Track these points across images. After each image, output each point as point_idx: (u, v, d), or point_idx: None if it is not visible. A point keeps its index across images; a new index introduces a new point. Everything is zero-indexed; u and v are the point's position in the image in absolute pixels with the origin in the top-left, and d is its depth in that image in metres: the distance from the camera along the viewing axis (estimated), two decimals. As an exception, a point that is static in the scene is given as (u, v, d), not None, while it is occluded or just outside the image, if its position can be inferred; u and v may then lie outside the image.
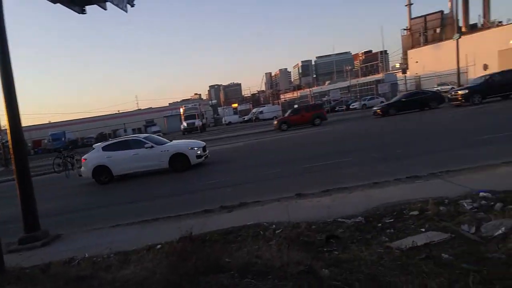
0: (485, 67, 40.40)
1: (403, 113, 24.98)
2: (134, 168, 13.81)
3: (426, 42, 66.16)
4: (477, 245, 3.81)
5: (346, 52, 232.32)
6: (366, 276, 3.42)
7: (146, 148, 13.56)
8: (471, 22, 68.45)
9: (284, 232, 5.01)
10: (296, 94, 77.58)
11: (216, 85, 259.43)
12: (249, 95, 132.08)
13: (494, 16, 68.32)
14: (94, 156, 13.82)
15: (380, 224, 5.01)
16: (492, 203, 5.06)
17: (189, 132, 42.98)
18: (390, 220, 5.10)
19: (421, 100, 25.80)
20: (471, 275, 3.04)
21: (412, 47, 66.97)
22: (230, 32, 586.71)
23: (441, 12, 68.37)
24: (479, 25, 66.20)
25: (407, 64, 65.13)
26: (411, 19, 72.46)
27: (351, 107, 44.97)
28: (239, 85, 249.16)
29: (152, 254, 4.97)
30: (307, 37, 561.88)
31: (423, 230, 4.50)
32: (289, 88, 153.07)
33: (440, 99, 26.22)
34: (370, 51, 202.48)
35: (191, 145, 14.14)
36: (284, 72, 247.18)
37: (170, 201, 9.07)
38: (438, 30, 67.19)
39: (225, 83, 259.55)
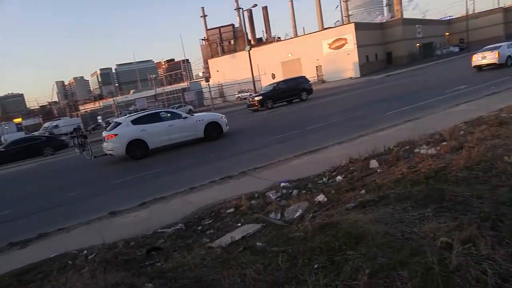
0: (273, 76, 47.11)
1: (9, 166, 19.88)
2: (171, 139, 13.45)
3: (224, 52, 71.43)
4: (283, 228, 4.29)
5: (148, 60, 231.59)
6: (191, 279, 3.38)
7: (183, 118, 13.49)
8: (258, 36, 78.90)
9: (98, 255, 4.47)
10: (99, 104, 71.29)
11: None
12: (37, 107, 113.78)
13: (274, 32, 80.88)
14: (126, 131, 12.75)
15: (200, 227, 5.10)
16: (291, 190, 5.86)
17: None
18: (209, 221, 5.26)
19: (31, 147, 21.48)
20: (280, 256, 3.38)
21: (212, 56, 71.15)
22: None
23: (232, 25, 75.15)
24: (264, 39, 77.02)
25: (209, 73, 68.81)
26: (207, 30, 76.53)
27: None
28: (21, 95, 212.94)
29: None
30: (103, 43, 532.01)
31: (239, 224, 4.80)
32: (89, 98, 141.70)
33: (60, 145, 22.62)
34: (173, 59, 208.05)
35: (219, 114, 14.93)
36: (80, 81, 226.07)
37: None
38: (232, 41, 73.50)
39: None
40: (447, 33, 74.35)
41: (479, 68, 23.27)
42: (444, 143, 6.40)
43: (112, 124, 13.66)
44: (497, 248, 2.74)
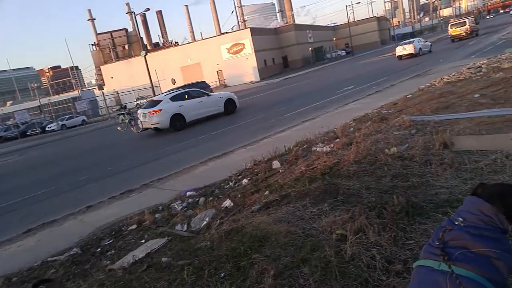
0: (173, 81, 45.84)
1: None
2: (201, 114, 15.86)
3: (118, 58, 67.49)
4: (189, 240, 4.14)
5: (28, 67, 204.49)
6: (87, 311, 3.04)
7: (207, 95, 16.33)
8: (154, 40, 76.37)
9: (-31, 301, 3.79)
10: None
11: None
12: None
13: (171, 37, 79.37)
14: (168, 106, 14.77)
15: (99, 249, 4.66)
16: (197, 199, 5.71)
17: None
18: (110, 241, 4.85)
19: None
20: (185, 269, 3.25)
21: (105, 62, 66.87)
22: None
23: (126, 29, 71.40)
24: (161, 44, 74.89)
25: (102, 80, 64.09)
26: (97, 34, 71.84)
27: (47, 129, 39.43)
28: None
29: None
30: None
31: (143, 241, 4.51)
32: None
33: None
34: (59, 66, 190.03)
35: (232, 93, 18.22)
36: None
37: None
38: (126, 46, 69.67)
39: None
40: (334, 38, 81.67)
41: (400, 57, 29.46)
42: (337, 140, 6.92)
43: (149, 102, 16.07)
44: (382, 234, 3.02)
